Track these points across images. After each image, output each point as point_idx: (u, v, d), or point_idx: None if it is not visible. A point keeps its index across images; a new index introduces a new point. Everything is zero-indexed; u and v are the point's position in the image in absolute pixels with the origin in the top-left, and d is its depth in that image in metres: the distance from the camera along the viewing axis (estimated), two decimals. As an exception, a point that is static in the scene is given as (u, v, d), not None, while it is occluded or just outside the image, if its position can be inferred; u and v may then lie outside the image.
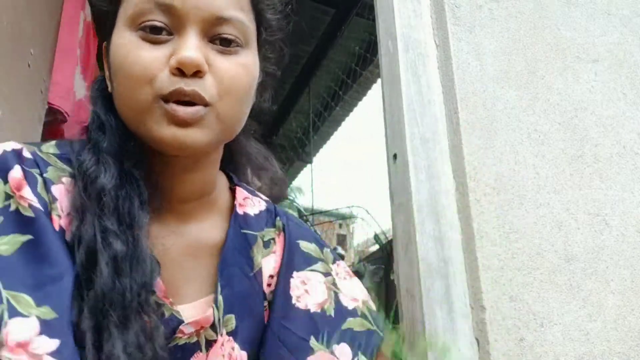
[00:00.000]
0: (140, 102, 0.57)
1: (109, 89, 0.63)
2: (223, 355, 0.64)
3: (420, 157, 1.04)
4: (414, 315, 0.96)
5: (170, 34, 0.58)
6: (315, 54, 3.57)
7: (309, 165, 4.92)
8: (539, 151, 1.10)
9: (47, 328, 0.47)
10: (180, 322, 0.60)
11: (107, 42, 0.64)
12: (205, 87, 0.57)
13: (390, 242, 2.65)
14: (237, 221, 0.71)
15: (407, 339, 0.98)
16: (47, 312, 0.48)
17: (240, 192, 0.75)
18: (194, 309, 0.64)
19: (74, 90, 1.54)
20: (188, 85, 0.56)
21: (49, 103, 1.39)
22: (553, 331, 0.96)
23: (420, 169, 1.03)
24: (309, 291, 0.71)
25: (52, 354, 0.46)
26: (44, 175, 0.58)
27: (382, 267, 2.64)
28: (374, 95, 3.97)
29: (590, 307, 1.01)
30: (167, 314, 0.59)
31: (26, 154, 0.58)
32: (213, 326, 0.64)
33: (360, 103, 4.14)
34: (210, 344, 0.64)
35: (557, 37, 1.22)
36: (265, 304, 0.70)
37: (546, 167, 1.09)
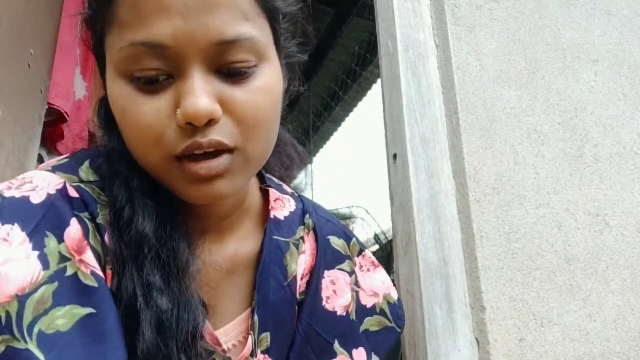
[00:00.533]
0: (153, 164, 0.49)
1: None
2: None
3: (420, 157, 1.04)
4: (414, 315, 0.96)
5: (170, 76, 0.48)
6: (314, 54, 3.56)
7: (308, 165, 4.92)
8: (538, 151, 1.10)
9: None
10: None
11: (102, 74, 0.54)
12: (225, 132, 0.48)
13: (390, 242, 2.66)
14: (270, 227, 0.66)
15: (408, 338, 0.98)
16: None
17: (272, 194, 0.70)
18: (233, 329, 0.61)
19: (73, 90, 1.54)
20: (204, 136, 0.47)
21: (48, 103, 1.39)
22: (553, 331, 0.96)
23: (420, 169, 1.03)
24: (337, 292, 0.68)
25: None
26: (97, 220, 0.49)
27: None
28: (373, 96, 3.97)
29: (590, 307, 1.01)
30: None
31: (72, 192, 0.49)
32: (251, 354, 0.60)
33: (360, 103, 4.14)
34: None
35: (557, 37, 1.22)
36: (296, 307, 0.67)
37: (546, 167, 1.09)
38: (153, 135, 0.47)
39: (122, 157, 0.52)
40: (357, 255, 0.73)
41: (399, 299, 0.74)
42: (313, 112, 4.27)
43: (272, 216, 0.67)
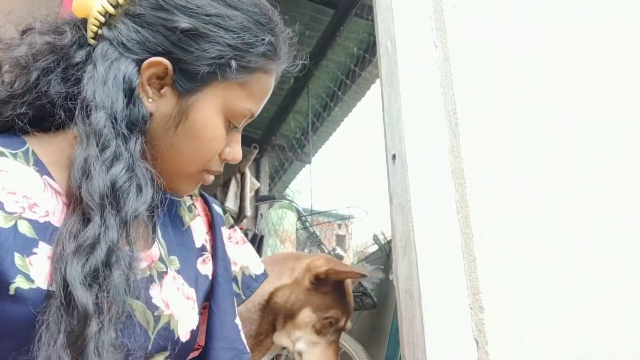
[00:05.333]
0: (192, 168, 0.74)
1: (150, 107, 0.71)
2: (177, 289, 0.76)
3: (419, 157, 1.04)
4: (413, 316, 0.96)
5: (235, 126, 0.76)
6: (314, 54, 3.57)
7: (307, 166, 4.92)
8: (538, 151, 1.10)
9: None
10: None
11: (180, 84, 0.71)
12: None
13: (389, 243, 2.66)
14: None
15: (407, 338, 0.98)
16: None
17: None
18: (141, 250, 0.74)
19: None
20: (222, 167, 0.77)
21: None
22: (552, 331, 0.96)
23: (419, 169, 1.03)
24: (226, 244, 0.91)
25: None
26: None
27: (381, 267, 2.64)
28: (373, 96, 3.97)
29: (590, 307, 1.01)
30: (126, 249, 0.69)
31: None
32: (161, 260, 0.76)
33: (359, 103, 4.14)
34: (162, 276, 0.75)
35: (556, 37, 1.22)
36: (207, 255, 0.86)
37: (546, 167, 1.09)
38: (212, 156, 0.74)
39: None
40: (230, 228, 0.93)
41: (261, 274, 0.95)
42: (312, 112, 4.27)
43: None
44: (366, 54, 3.49)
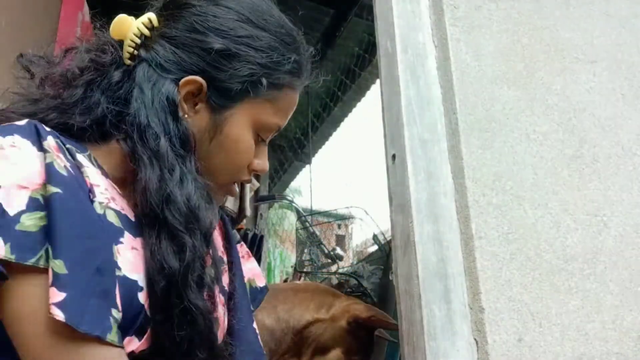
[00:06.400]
0: (226, 178, 0.79)
1: (186, 114, 0.75)
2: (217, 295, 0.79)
3: (419, 157, 1.04)
4: (413, 316, 0.96)
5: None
6: (313, 54, 3.56)
7: (307, 166, 4.92)
8: (537, 152, 1.10)
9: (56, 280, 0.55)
10: None
11: (215, 101, 0.76)
12: None
13: (389, 243, 2.65)
14: None
15: (407, 339, 0.98)
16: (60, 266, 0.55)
17: None
18: None
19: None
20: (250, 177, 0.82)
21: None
22: (551, 331, 0.96)
23: (419, 169, 1.03)
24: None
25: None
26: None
27: (381, 267, 2.63)
28: (372, 96, 3.97)
29: (589, 307, 1.01)
30: None
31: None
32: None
33: (359, 104, 4.14)
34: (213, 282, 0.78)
35: (555, 38, 1.22)
36: (225, 266, 0.88)
37: (545, 168, 1.09)
38: (243, 167, 0.79)
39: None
40: (237, 243, 0.96)
41: (264, 287, 0.98)
42: (312, 112, 4.27)
43: None
44: (366, 54, 3.49)
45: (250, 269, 0.97)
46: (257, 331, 0.91)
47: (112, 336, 0.57)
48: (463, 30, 1.14)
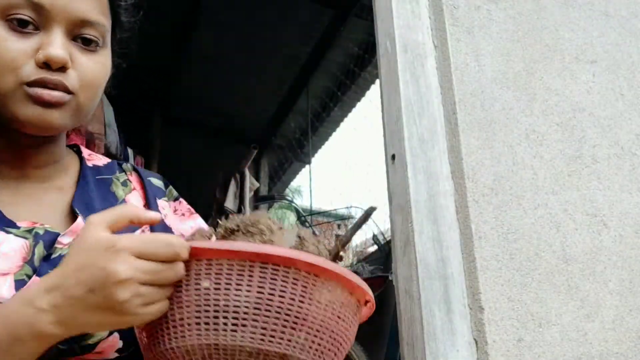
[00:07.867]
0: (4, 88, 0.64)
1: None
2: None
3: (418, 157, 1.04)
4: (413, 316, 0.96)
5: (37, 28, 0.65)
6: (313, 54, 3.57)
7: (307, 166, 4.92)
8: (537, 152, 1.10)
9: None
10: (57, 234, 0.67)
11: None
12: (69, 79, 0.66)
13: (388, 243, 2.66)
14: (87, 171, 0.80)
15: (406, 339, 0.98)
16: None
17: (84, 150, 0.85)
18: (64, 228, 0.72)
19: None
20: (52, 76, 0.64)
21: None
22: (551, 331, 0.96)
23: (418, 169, 1.03)
24: (167, 215, 0.86)
25: None
26: None
27: (380, 267, 2.64)
28: (372, 96, 3.97)
29: (589, 307, 1.01)
30: (41, 232, 0.67)
31: None
32: None
33: (358, 104, 4.14)
34: None
35: (555, 38, 1.23)
36: (146, 227, 0.81)
37: (544, 168, 1.09)
38: (13, 66, 0.63)
39: None
40: (174, 200, 0.88)
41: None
42: (311, 112, 4.27)
43: (90, 165, 0.82)
44: (366, 54, 3.49)
45: (192, 227, 0.91)
46: None
47: None
48: (463, 30, 1.14)
